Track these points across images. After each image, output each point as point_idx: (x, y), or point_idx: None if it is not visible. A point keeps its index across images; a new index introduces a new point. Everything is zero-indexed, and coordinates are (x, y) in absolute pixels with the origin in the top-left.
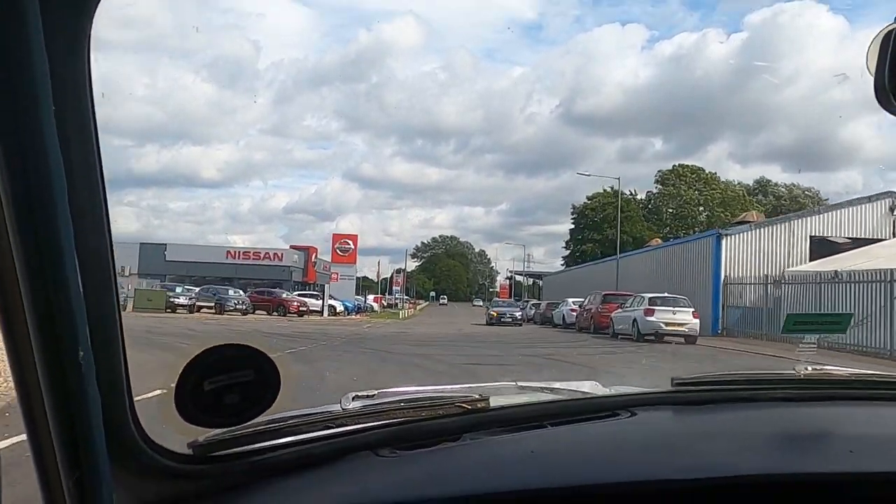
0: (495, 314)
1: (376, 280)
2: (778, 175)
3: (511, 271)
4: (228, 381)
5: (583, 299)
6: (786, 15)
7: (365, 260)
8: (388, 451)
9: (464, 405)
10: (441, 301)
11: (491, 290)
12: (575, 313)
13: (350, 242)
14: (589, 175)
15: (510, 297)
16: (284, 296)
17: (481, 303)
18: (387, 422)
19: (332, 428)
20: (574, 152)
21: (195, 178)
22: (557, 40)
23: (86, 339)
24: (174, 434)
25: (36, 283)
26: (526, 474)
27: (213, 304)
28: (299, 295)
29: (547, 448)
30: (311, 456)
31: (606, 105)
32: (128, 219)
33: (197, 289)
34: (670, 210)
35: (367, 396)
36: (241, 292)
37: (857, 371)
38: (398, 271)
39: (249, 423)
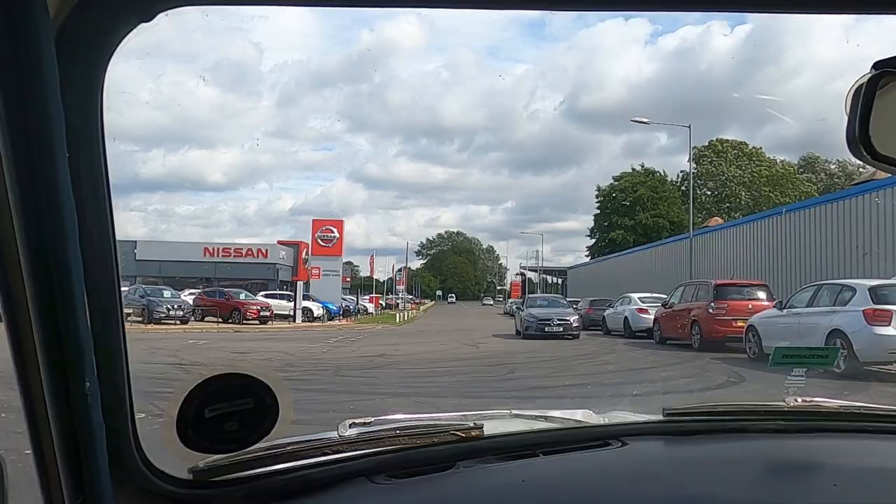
0: (538, 319)
1: (388, 278)
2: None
3: (523, 266)
4: (229, 409)
5: (651, 295)
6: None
7: (378, 260)
8: (382, 477)
9: (458, 433)
10: (449, 300)
11: (500, 287)
12: (648, 316)
13: (334, 230)
14: (647, 122)
15: (523, 294)
16: (242, 297)
17: (492, 301)
18: (382, 449)
19: (329, 454)
20: (579, 148)
21: (201, 181)
22: (560, 36)
23: (92, 370)
24: (176, 459)
25: (45, 316)
26: (516, 502)
27: (140, 311)
28: (266, 296)
29: (538, 477)
30: (308, 482)
31: (610, 100)
32: (135, 223)
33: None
34: (706, 192)
35: (364, 424)
36: (180, 294)
37: (845, 403)
38: (400, 270)
39: (249, 449)
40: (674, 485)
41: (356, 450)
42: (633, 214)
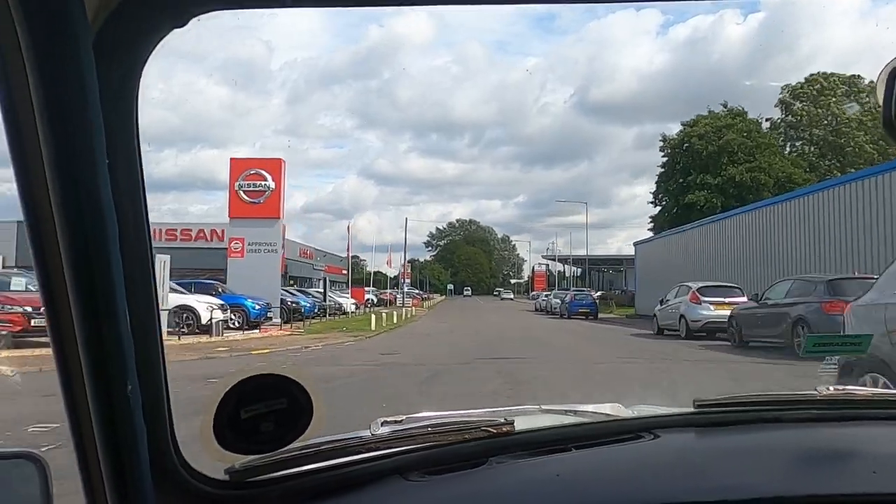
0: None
1: (396, 273)
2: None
3: (546, 255)
4: (264, 410)
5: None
6: None
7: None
8: (416, 475)
9: (489, 429)
10: (465, 292)
11: (515, 280)
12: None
13: (266, 175)
14: None
15: (547, 287)
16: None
17: (511, 295)
18: (415, 446)
19: (363, 453)
20: (589, 142)
21: (213, 181)
22: (569, 29)
23: (133, 374)
24: (212, 460)
25: (88, 316)
26: (551, 497)
27: None
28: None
29: (571, 471)
30: (343, 480)
31: (621, 92)
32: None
33: None
34: (805, 136)
35: (396, 422)
36: None
37: (879, 391)
38: (410, 261)
39: (284, 449)
40: (708, 475)
41: (389, 448)
42: (718, 169)
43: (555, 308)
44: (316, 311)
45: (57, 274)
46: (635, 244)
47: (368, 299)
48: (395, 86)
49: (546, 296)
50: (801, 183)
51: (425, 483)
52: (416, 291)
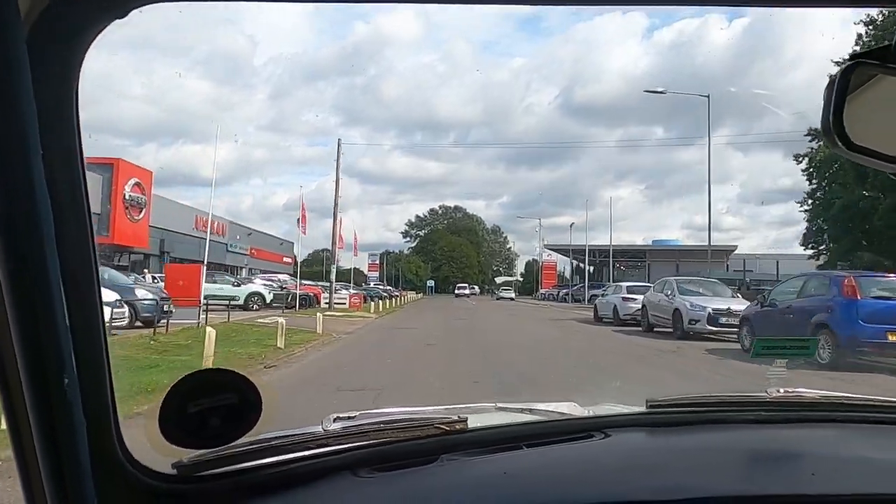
0: None
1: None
2: (779, 163)
3: (550, 246)
4: (212, 404)
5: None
6: None
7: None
8: (366, 471)
9: (442, 426)
10: (458, 290)
11: (507, 276)
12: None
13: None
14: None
15: (558, 283)
16: None
17: (512, 294)
18: (366, 443)
19: (313, 448)
20: (574, 143)
21: (195, 176)
22: (555, 30)
23: (71, 367)
24: (159, 455)
25: (22, 311)
26: (499, 495)
27: None
28: None
29: (521, 469)
30: (292, 476)
31: (606, 94)
32: None
33: None
34: None
35: (349, 418)
36: None
37: (826, 393)
38: (371, 254)
39: (233, 444)
40: (655, 475)
41: (340, 444)
42: None
43: (625, 315)
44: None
45: None
46: None
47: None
48: (381, 83)
49: (605, 293)
50: None
51: (375, 479)
52: (389, 288)
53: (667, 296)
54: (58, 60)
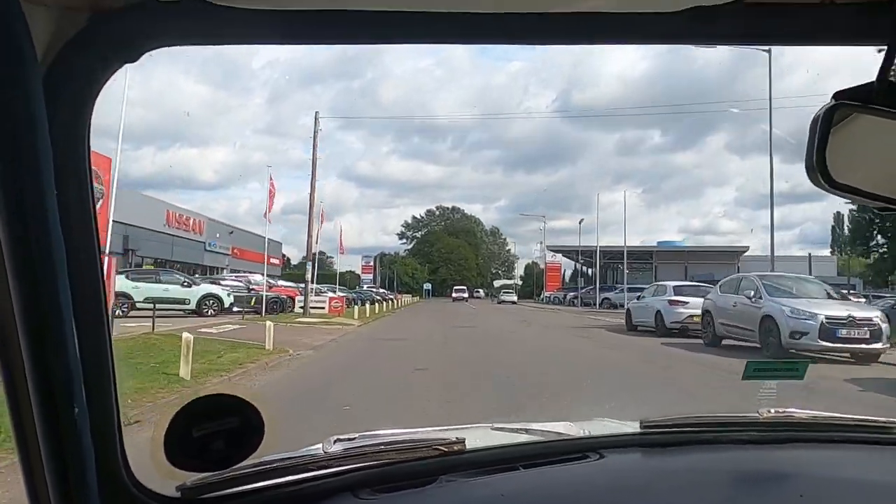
0: None
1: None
2: (777, 165)
3: (554, 247)
4: (216, 428)
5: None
6: None
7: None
8: (367, 492)
9: (441, 448)
10: (456, 293)
11: (506, 280)
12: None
13: None
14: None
15: (562, 285)
16: None
17: (514, 297)
18: (366, 464)
19: (314, 470)
20: (572, 146)
21: (192, 180)
22: None
23: (81, 397)
24: (164, 478)
25: (34, 344)
26: None
27: None
28: None
29: (517, 491)
30: (294, 498)
31: (603, 97)
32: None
33: None
34: None
35: (349, 439)
36: None
37: (817, 413)
38: (365, 255)
39: (236, 466)
40: (647, 496)
41: (341, 465)
42: None
43: (673, 322)
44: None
45: (3, 299)
46: None
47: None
48: (378, 87)
49: (643, 295)
50: None
51: (375, 501)
52: (383, 291)
53: (749, 298)
54: (72, 102)
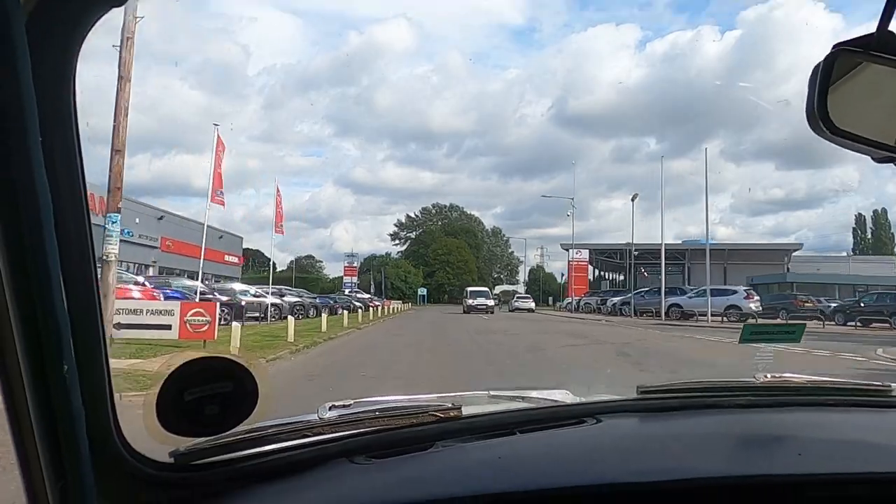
0: None
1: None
2: (772, 173)
3: (567, 245)
4: (209, 392)
5: None
6: (780, 11)
7: None
8: (362, 458)
9: (437, 413)
10: (475, 301)
11: (508, 285)
12: None
13: None
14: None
15: (590, 288)
16: None
17: (532, 304)
18: (362, 430)
19: (309, 437)
20: (568, 154)
21: (188, 187)
22: (548, 41)
23: (70, 355)
24: (157, 443)
25: (22, 301)
26: (493, 479)
27: None
28: None
29: (514, 454)
30: (288, 464)
31: (599, 105)
32: None
33: None
34: None
35: (344, 406)
36: None
37: (812, 378)
38: (349, 255)
39: (230, 432)
40: (645, 458)
41: (336, 431)
42: None
43: None
44: None
45: None
46: None
47: None
48: (374, 93)
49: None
50: None
51: (371, 466)
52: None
53: None
54: (56, 46)
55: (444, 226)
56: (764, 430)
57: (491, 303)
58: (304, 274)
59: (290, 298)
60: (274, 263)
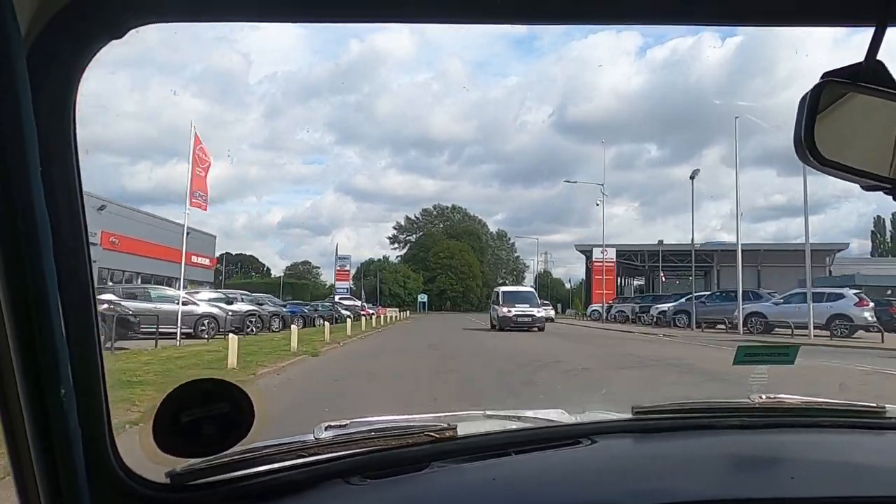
0: None
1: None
2: (773, 179)
3: (581, 246)
4: (205, 413)
5: None
6: None
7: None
8: (358, 478)
9: (432, 434)
10: (511, 308)
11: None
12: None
13: None
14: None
15: (617, 294)
16: None
17: (552, 313)
18: (358, 451)
19: (305, 457)
20: (569, 160)
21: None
22: (549, 49)
23: (67, 378)
24: (153, 464)
25: (21, 324)
26: (488, 500)
27: None
28: None
29: (509, 475)
30: (284, 484)
31: (599, 112)
32: None
33: None
34: None
35: (340, 426)
36: None
37: (807, 399)
38: (340, 258)
39: (226, 452)
40: (640, 480)
41: (332, 452)
42: None
43: None
44: None
45: None
46: None
47: None
48: (375, 101)
49: None
50: None
51: (367, 487)
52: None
53: None
54: (57, 78)
55: (446, 228)
56: (757, 452)
57: (540, 312)
58: (302, 280)
59: (241, 306)
60: (268, 268)
